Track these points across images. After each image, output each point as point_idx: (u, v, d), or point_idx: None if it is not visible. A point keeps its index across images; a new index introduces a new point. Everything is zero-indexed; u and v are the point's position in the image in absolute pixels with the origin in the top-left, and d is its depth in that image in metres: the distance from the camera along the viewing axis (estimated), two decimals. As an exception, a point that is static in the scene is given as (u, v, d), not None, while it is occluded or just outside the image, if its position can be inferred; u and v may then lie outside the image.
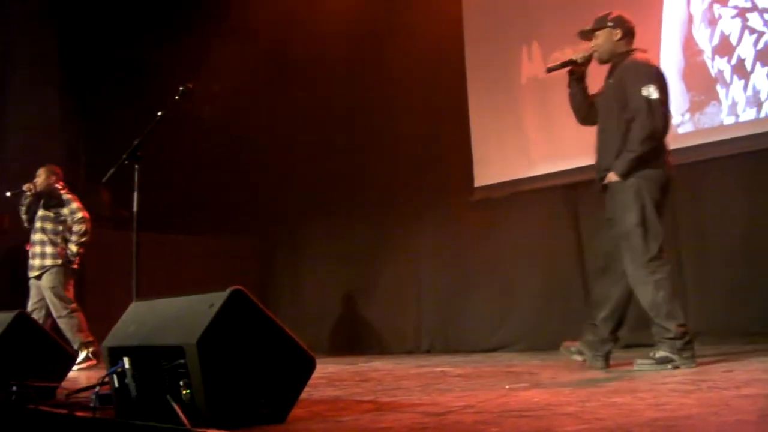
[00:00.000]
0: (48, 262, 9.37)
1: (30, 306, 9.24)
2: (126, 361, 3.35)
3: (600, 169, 5.59)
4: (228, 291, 3.05)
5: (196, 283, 8.35)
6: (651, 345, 5.44)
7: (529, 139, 9.26)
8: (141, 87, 11.85)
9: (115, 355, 3.47)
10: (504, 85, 9.61)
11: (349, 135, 10.89)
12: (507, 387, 4.43)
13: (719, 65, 7.68)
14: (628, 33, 5.57)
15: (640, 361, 5.23)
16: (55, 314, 9.19)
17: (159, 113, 6.24)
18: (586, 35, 5.73)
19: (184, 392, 3.02)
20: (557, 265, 8.79)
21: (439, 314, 9.97)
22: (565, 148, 8.73)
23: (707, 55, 7.78)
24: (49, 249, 9.40)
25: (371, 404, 3.81)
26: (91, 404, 3.76)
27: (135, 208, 6.03)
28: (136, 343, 3.37)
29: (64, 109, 14.15)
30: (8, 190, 9.89)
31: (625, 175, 5.32)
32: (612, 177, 5.40)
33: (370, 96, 10.59)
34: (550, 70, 5.94)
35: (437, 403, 3.72)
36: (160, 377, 3.17)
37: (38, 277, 9.34)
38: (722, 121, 7.67)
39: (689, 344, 5.17)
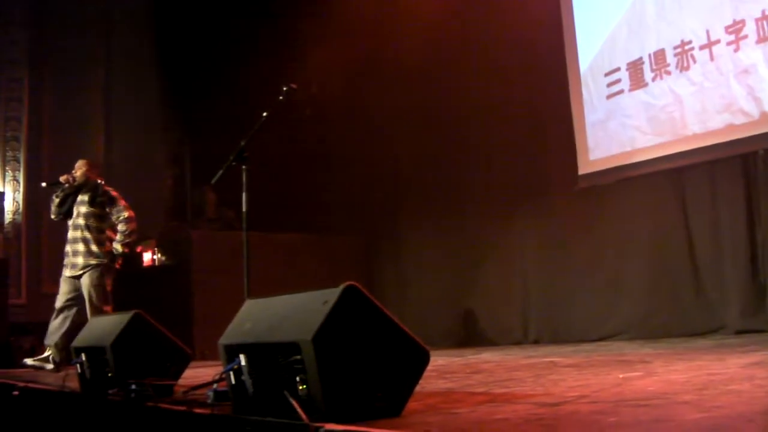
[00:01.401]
0: (92, 260, 8.92)
1: (60, 303, 8.89)
2: (242, 358, 3.39)
3: None
4: (341, 287, 3.06)
5: (303, 280, 8.46)
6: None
7: (632, 124, 9.13)
8: (241, 89, 11.98)
9: (231, 352, 3.51)
10: (603, 70, 9.51)
11: (450, 129, 10.89)
12: (621, 376, 4.37)
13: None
14: None
15: None
16: (91, 313, 8.68)
17: (264, 114, 6.28)
18: None
19: (300, 388, 3.04)
20: (665, 252, 8.66)
21: (545, 304, 9.92)
22: (670, 131, 8.61)
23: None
24: (94, 247, 8.94)
25: (485, 396, 3.79)
26: (208, 401, 3.82)
27: (244, 209, 6.09)
28: (251, 341, 3.40)
29: (167, 114, 14.41)
30: (51, 182, 9.27)
31: None
32: None
33: (469, 90, 10.57)
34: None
35: (551, 394, 3.69)
36: (277, 373, 3.20)
37: (79, 276, 8.90)
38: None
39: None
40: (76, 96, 15.29)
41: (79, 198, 9.06)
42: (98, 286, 8.83)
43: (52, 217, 9.26)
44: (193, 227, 12.34)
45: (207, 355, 9.07)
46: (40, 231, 14.27)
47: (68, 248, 8.97)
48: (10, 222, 14.52)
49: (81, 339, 5.86)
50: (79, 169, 9.11)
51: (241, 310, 3.76)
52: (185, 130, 14.20)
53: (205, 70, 13.72)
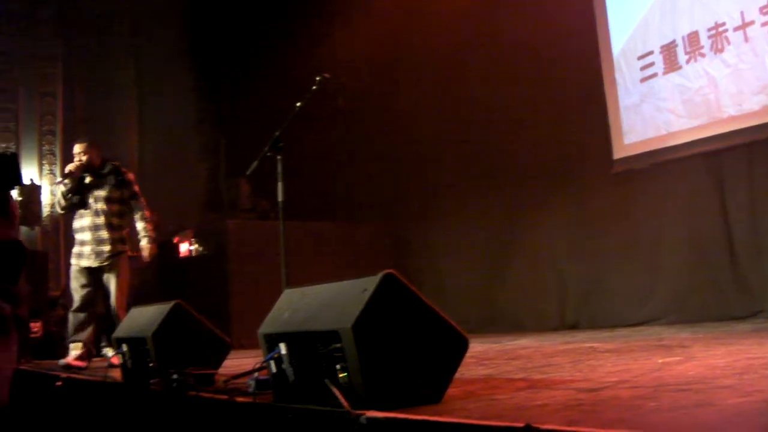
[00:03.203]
0: (120, 247, 8.40)
1: (82, 298, 8.32)
2: (282, 346, 3.41)
3: None
4: (380, 275, 3.07)
5: (338, 268, 8.49)
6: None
7: (667, 107, 9.08)
8: (273, 80, 12.02)
9: (271, 341, 3.54)
10: (636, 53, 9.46)
11: (480, 115, 10.85)
12: (660, 361, 4.35)
13: None
14: None
15: None
16: (116, 304, 8.25)
17: (297, 104, 6.30)
18: None
19: (341, 375, 3.06)
20: (703, 236, 8.60)
21: (582, 289, 9.89)
22: (706, 114, 8.56)
23: None
24: (117, 234, 8.40)
25: (524, 382, 3.79)
26: (250, 390, 3.86)
27: (280, 198, 6.10)
28: (291, 329, 3.43)
29: (200, 106, 14.49)
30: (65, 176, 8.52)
31: None
32: None
33: (500, 76, 10.54)
34: None
35: (590, 379, 3.68)
36: (317, 362, 3.22)
37: (105, 265, 8.29)
38: None
39: None
40: (109, 89, 15.42)
41: (92, 182, 8.43)
42: (126, 272, 8.44)
43: (60, 210, 8.73)
44: (229, 218, 12.40)
45: (245, 344, 9.11)
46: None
47: (87, 236, 8.31)
48: (47, 215, 14.67)
49: (122, 330, 5.91)
50: (86, 153, 8.43)
51: (279, 300, 3.79)
52: (218, 122, 14.28)
53: (237, 62, 13.80)
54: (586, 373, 4.04)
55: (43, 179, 14.77)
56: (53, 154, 15.07)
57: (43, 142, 15.08)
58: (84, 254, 8.31)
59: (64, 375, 6.43)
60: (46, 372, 7.18)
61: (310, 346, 3.27)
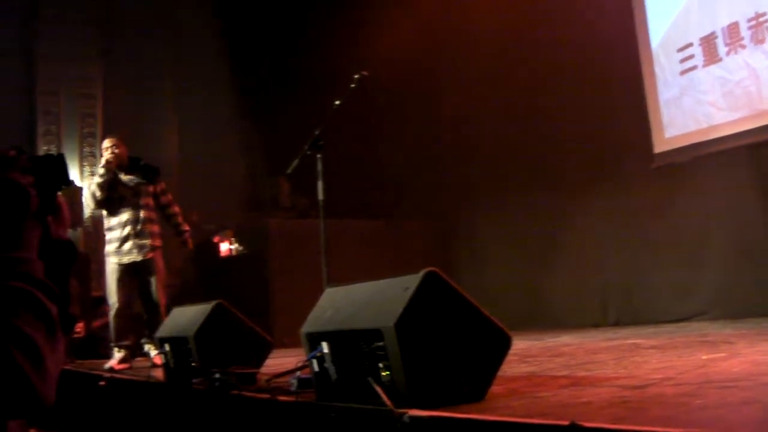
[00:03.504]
0: (158, 242, 8.34)
1: (125, 299, 8.21)
2: (324, 345, 3.42)
3: None
4: (422, 273, 3.06)
5: (379, 266, 8.49)
6: None
7: (707, 100, 8.99)
8: (312, 77, 12.05)
9: (313, 340, 3.54)
10: (675, 46, 9.39)
11: (521, 110, 10.80)
12: (704, 357, 4.31)
13: None
14: None
15: None
16: (158, 298, 8.21)
17: (336, 102, 6.29)
18: None
19: (383, 374, 3.06)
20: (746, 229, 8.50)
21: (624, 285, 9.82)
22: (747, 106, 8.47)
23: None
24: (155, 228, 8.37)
25: (567, 379, 3.77)
26: (292, 388, 3.86)
27: (320, 197, 6.10)
28: (333, 328, 3.43)
29: (239, 105, 14.55)
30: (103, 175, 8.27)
31: None
32: None
33: (541, 68, 10.50)
34: None
35: (635, 376, 3.65)
36: (360, 360, 3.22)
37: (146, 259, 8.23)
38: None
39: None
40: (148, 89, 15.52)
41: (128, 178, 8.33)
42: (164, 267, 8.44)
43: (94, 204, 8.36)
44: (269, 216, 12.44)
45: (286, 343, 9.13)
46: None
47: (127, 231, 8.18)
48: (89, 216, 14.78)
49: (165, 329, 5.95)
50: (118, 146, 8.33)
51: (321, 299, 3.79)
52: (257, 121, 14.33)
53: (275, 60, 13.83)
54: (630, 370, 4.01)
55: (84, 181, 14.88)
56: (94, 155, 15.18)
57: (84, 144, 15.21)
58: (124, 250, 8.20)
59: (107, 375, 6.48)
60: (90, 372, 7.23)
61: (353, 344, 3.27)
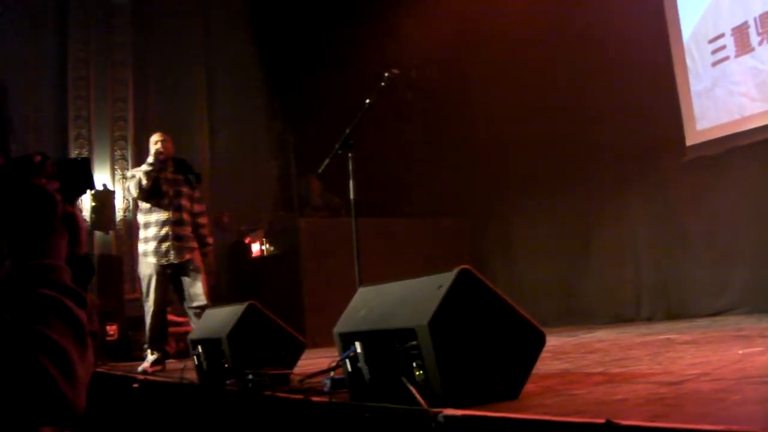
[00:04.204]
0: (195, 243, 8.25)
1: (162, 299, 8.20)
2: (358, 345, 3.41)
3: None
4: (455, 271, 3.05)
5: (412, 264, 8.48)
6: None
7: (740, 91, 8.91)
8: (342, 76, 12.05)
9: (346, 340, 3.53)
10: (707, 37, 9.31)
11: (553, 105, 10.76)
12: (740, 352, 4.27)
13: None
14: None
15: None
16: (206, 300, 8.08)
17: (367, 101, 6.28)
18: None
19: (417, 374, 3.05)
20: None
21: (657, 280, 9.77)
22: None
23: None
24: (193, 230, 8.30)
25: (602, 376, 3.74)
26: (325, 389, 3.86)
27: (352, 196, 6.09)
28: (366, 328, 3.42)
29: (269, 105, 14.60)
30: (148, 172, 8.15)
31: None
32: None
33: (571, 63, 10.46)
34: None
35: (670, 372, 3.62)
36: (393, 360, 3.21)
37: (187, 260, 8.14)
38: None
39: None
40: (179, 92, 15.61)
41: (172, 177, 8.29)
42: (202, 272, 8.22)
43: (136, 195, 8.18)
44: (301, 216, 12.46)
45: (318, 342, 9.15)
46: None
47: (166, 230, 8.09)
48: (121, 219, 14.88)
49: (197, 331, 5.97)
50: (167, 141, 8.34)
51: (354, 298, 3.78)
52: (288, 120, 14.36)
53: (305, 59, 13.84)
54: (666, 365, 3.97)
55: (116, 184, 14.98)
56: (125, 159, 15.27)
57: (116, 148, 15.30)
58: (162, 250, 8.09)
59: (141, 377, 6.50)
60: (124, 374, 7.27)
61: (386, 344, 3.25)
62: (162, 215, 8.13)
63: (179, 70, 15.67)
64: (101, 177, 14.73)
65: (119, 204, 14.86)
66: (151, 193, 8.12)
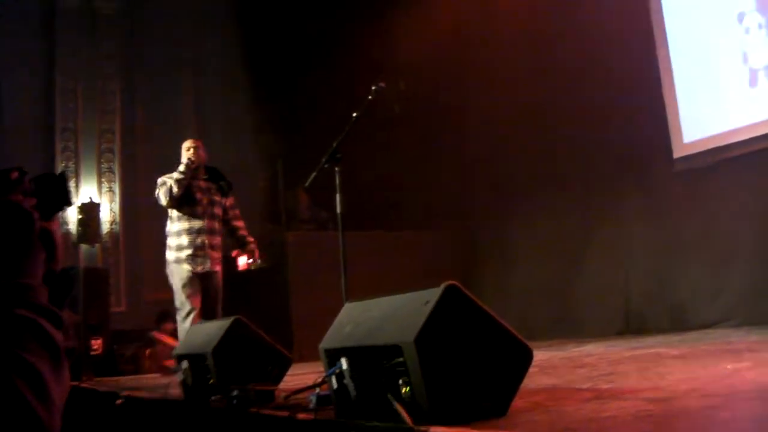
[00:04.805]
0: (219, 254, 8.19)
1: (199, 301, 7.90)
2: (344, 361, 3.39)
3: None
4: (442, 287, 3.03)
5: (401, 279, 8.46)
6: None
7: (729, 100, 8.93)
8: (331, 89, 12.03)
9: (332, 356, 3.51)
10: (703, 46, 9.33)
11: (544, 114, 10.76)
12: (729, 367, 4.26)
13: None
14: None
15: None
16: (220, 309, 8.09)
17: (354, 114, 6.27)
18: None
19: (403, 390, 3.03)
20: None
21: (647, 292, 9.78)
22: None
23: None
24: (224, 238, 8.30)
25: (590, 392, 3.72)
26: (311, 405, 3.83)
27: (339, 210, 6.08)
28: (352, 344, 3.40)
29: (258, 116, 14.57)
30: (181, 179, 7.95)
31: None
32: None
33: (566, 70, 10.45)
34: None
35: (659, 388, 3.61)
36: (379, 376, 3.19)
37: (211, 272, 8.04)
38: None
39: None
40: (167, 103, 15.58)
41: (205, 185, 8.17)
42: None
43: (165, 203, 7.95)
44: (288, 229, 12.42)
45: (305, 355, 9.11)
46: (138, 239, 14.55)
47: (202, 239, 7.94)
48: (107, 232, 14.83)
49: (183, 346, 5.94)
50: (198, 147, 8.25)
51: (340, 314, 3.77)
52: (277, 132, 14.34)
53: (294, 70, 13.84)
54: (655, 381, 3.97)
55: (102, 197, 14.93)
56: (112, 171, 15.23)
57: (102, 160, 15.25)
58: (197, 258, 7.93)
59: (124, 393, 6.46)
60: (107, 390, 7.22)
61: (372, 360, 3.24)
62: (196, 223, 7.97)
63: (167, 79, 15.64)
64: (88, 190, 14.69)
65: (106, 216, 14.82)
66: (183, 201, 7.96)
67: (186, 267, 7.91)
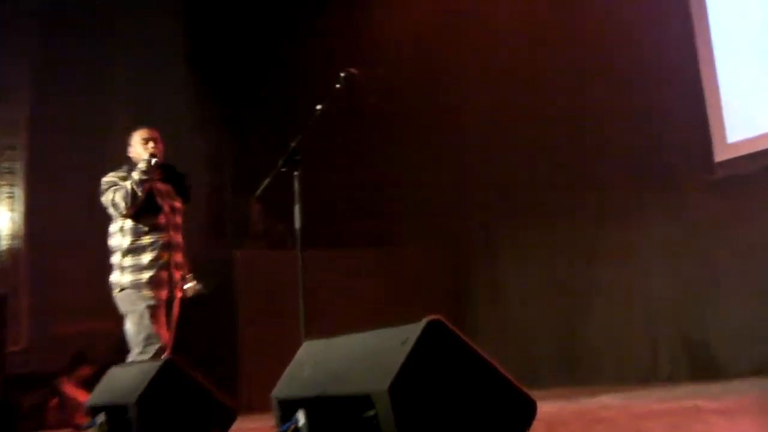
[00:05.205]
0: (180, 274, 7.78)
1: (165, 334, 7.42)
2: (301, 415, 3.39)
3: None
4: (423, 322, 3.04)
5: (374, 309, 8.48)
6: None
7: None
8: (290, 79, 12.06)
9: (287, 407, 3.52)
10: (748, 40, 9.41)
11: (548, 116, 10.81)
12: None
13: None
14: None
15: None
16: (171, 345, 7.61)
17: (318, 107, 6.27)
18: None
19: (375, 451, 3.05)
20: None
21: (679, 328, 9.77)
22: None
23: None
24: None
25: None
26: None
27: (298, 224, 6.07)
28: (312, 393, 3.40)
29: (202, 111, 14.59)
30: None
31: None
32: None
33: (576, 61, 10.50)
34: None
35: (695, 453, 3.63)
36: (345, 433, 3.21)
37: (173, 299, 7.70)
38: None
39: None
40: (91, 95, 15.51)
41: (164, 188, 7.71)
42: None
43: (124, 211, 7.35)
44: (236, 246, 12.42)
45: (254, 404, 9.12)
46: (48, 256, 14.37)
47: (166, 258, 7.52)
48: (6, 248, 14.68)
49: (99, 395, 5.89)
50: (160, 142, 7.89)
51: (298, 354, 3.77)
52: (224, 130, 14.35)
53: (246, 60, 13.86)
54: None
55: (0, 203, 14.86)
56: (12, 172, 15.14)
57: (2, 159, 15.18)
58: (163, 281, 7.49)
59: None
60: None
61: (337, 413, 3.25)
62: (158, 237, 7.48)
63: (93, 69, 15.60)
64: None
65: (4, 228, 14.70)
66: (143, 208, 7.43)
67: (147, 293, 7.41)
